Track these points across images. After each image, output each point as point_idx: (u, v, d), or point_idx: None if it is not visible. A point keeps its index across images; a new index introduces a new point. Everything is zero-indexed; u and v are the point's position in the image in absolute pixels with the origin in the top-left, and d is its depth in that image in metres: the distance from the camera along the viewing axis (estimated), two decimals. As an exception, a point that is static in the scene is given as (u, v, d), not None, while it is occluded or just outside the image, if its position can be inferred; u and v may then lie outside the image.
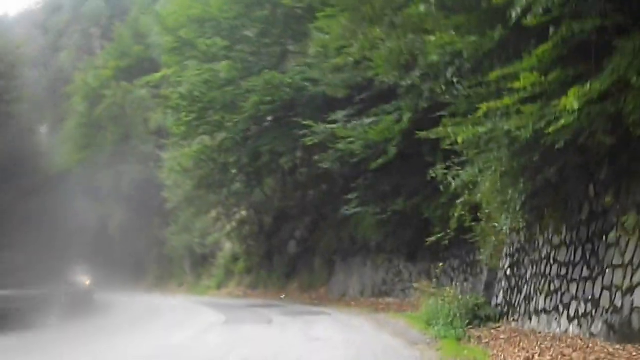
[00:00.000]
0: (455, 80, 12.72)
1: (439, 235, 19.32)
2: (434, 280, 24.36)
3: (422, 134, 14.68)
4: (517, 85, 9.63)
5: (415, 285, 24.41)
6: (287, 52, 32.40)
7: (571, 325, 12.51)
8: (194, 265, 57.55)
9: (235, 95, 30.47)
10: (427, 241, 20.31)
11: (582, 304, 12.18)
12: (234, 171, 34.75)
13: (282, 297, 38.09)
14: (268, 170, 35.09)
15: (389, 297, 28.86)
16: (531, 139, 10.55)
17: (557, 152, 11.20)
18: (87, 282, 56.22)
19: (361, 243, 31.39)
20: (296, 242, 42.22)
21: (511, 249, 17.50)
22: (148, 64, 57.30)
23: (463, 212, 17.51)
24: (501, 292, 17.72)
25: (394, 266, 29.38)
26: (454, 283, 23.99)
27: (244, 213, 48.45)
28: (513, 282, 16.88)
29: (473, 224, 18.33)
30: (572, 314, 12.59)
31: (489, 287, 19.79)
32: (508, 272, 17.46)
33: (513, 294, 16.75)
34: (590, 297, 11.92)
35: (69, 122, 68.16)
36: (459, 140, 11.34)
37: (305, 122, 25.75)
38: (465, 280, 23.08)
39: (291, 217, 43.32)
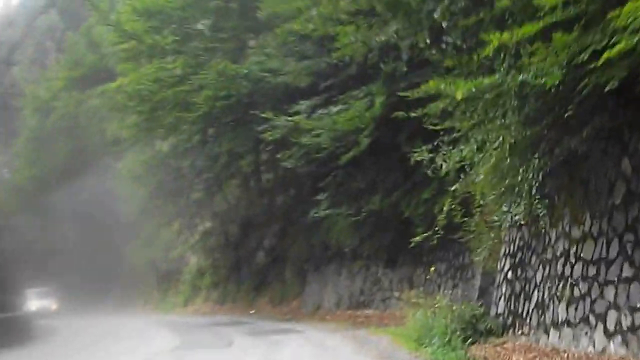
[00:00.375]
0: (445, 24, 9.66)
1: (424, 235, 16.18)
2: (420, 288, 21.54)
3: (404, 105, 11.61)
4: (544, 1, 6.64)
5: (399, 295, 21.53)
6: (245, 47, 29.25)
7: (612, 343, 9.50)
8: (160, 282, 54.18)
9: (188, 92, 27.34)
10: (411, 242, 17.12)
11: (627, 314, 9.18)
12: (191, 177, 31.52)
13: (251, 312, 35.17)
14: (227, 174, 31.92)
15: (368, 309, 25.81)
16: (558, 90, 7.54)
17: (585, 112, 8.27)
18: (54, 307, 52.78)
19: (334, 249, 28.21)
20: (265, 252, 39.09)
21: (512, 247, 14.52)
22: (104, 74, 53.75)
23: (453, 205, 14.48)
24: (502, 300, 14.74)
25: (372, 274, 26.28)
26: (441, 290, 21.10)
27: (208, 224, 45.30)
28: (517, 287, 13.90)
29: (465, 219, 15.35)
30: (611, 327, 9.58)
31: (484, 293, 16.88)
32: (509, 276, 14.48)
33: (518, 301, 13.75)
34: (638, 305, 8.94)
35: (20, 137, 64.33)
36: (458, 95, 8.18)
37: (264, 115, 22.65)
38: (455, 286, 20.13)
39: (258, 226, 40.21)
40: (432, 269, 19.72)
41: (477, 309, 14.92)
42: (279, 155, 24.05)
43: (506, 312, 14.34)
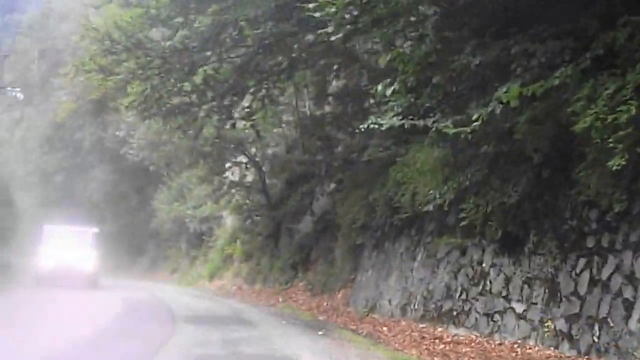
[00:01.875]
0: None
1: None
2: (574, 301, 9.75)
3: None
4: None
5: (523, 310, 9.72)
6: None
7: None
8: (190, 246, 43.22)
9: None
10: None
11: None
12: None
13: (279, 300, 24.15)
14: (246, 77, 19.59)
15: (458, 326, 13.75)
16: None
17: None
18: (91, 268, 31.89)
19: (408, 213, 15.92)
20: (313, 217, 27.30)
21: None
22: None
23: None
24: None
25: (472, 262, 13.95)
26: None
27: (247, 174, 33.85)
28: None
29: None
30: None
31: None
32: None
33: None
34: None
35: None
36: None
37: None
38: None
39: (311, 180, 28.65)
40: None
41: None
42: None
43: None
